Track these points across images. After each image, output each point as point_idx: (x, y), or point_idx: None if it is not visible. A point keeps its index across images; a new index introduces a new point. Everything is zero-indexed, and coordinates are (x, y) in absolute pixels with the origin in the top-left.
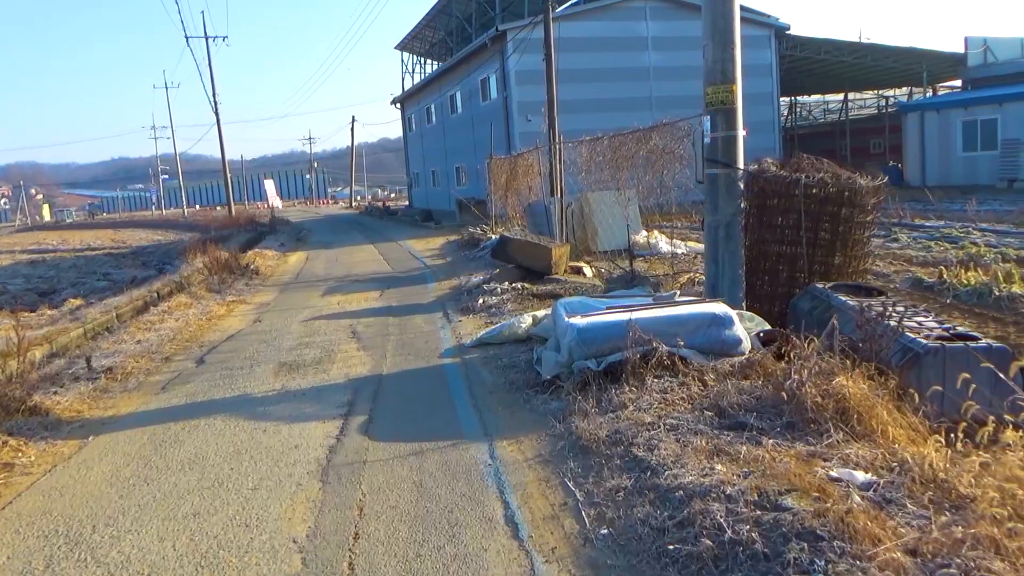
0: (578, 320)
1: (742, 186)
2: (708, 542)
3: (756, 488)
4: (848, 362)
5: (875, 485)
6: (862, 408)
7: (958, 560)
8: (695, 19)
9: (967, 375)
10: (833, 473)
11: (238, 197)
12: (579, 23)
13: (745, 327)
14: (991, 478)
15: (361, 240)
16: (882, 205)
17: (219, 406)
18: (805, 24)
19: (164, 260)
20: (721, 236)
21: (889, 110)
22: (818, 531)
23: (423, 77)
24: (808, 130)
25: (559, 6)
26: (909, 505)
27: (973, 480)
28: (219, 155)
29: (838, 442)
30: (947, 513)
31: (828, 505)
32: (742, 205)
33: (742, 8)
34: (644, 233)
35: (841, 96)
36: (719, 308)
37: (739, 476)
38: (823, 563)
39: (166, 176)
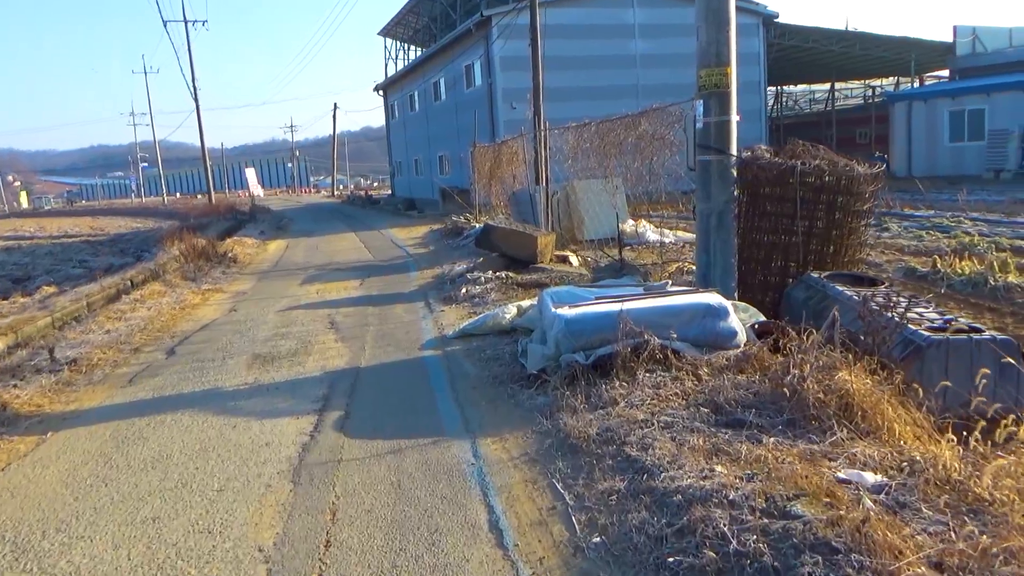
0: (566, 311)
1: (735, 173)
2: (711, 554)
3: (762, 493)
4: (850, 356)
5: (886, 487)
6: (866, 404)
7: None
8: (682, 7)
9: (986, 369)
10: (841, 475)
11: (219, 185)
12: (565, 9)
13: (739, 318)
14: (1010, 479)
15: (343, 229)
16: (879, 193)
17: (188, 400)
18: (793, 12)
19: (142, 248)
20: (713, 224)
21: (876, 100)
22: (833, 542)
23: (406, 64)
24: (794, 120)
25: None
26: (925, 510)
27: (991, 482)
28: (200, 143)
29: (843, 440)
30: (966, 518)
31: (841, 512)
32: (735, 193)
33: None
34: (631, 222)
35: (828, 86)
36: (713, 298)
37: (741, 479)
38: None
39: (145, 164)
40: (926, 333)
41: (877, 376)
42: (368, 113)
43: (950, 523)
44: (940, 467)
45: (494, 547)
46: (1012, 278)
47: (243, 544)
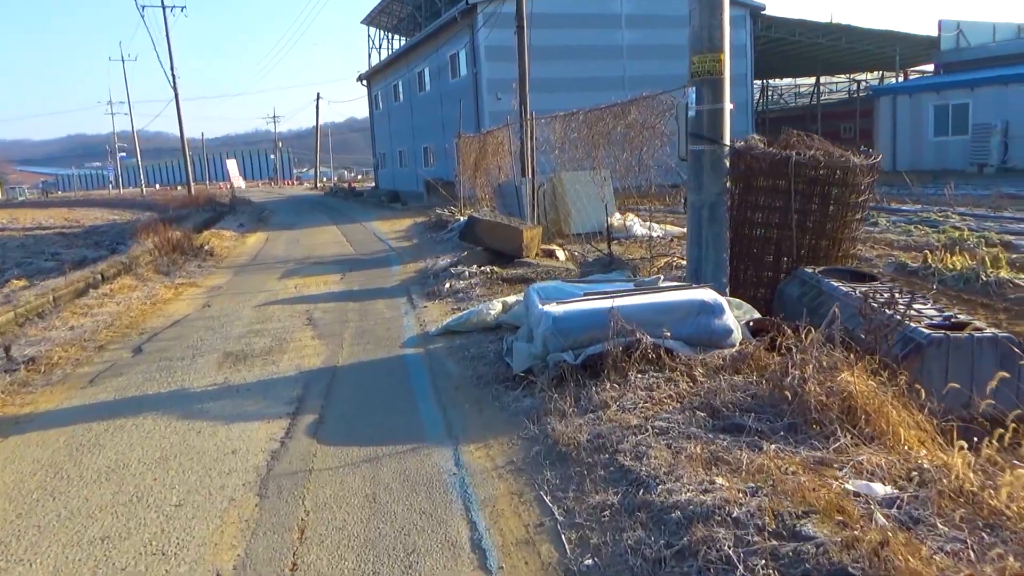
0: (553, 308)
1: (728, 164)
2: None
3: (768, 509)
4: (851, 355)
5: (898, 500)
6: (869, 407)
7: None
8: None
9: (1004, 373)
10: (849, 486)
11: (200, 177)
12: None
13: (734, 315)
14: None
15: (324, 221)
16: (874, 185)
17: (151, 403)
18: (777, 4)
19: (117, 240)
20: (705, 217)
21: (861, 94)
22: (850, 568)
23: (390, 53)
24: (779, 113)
25: None
26: (940, 525)
27: (1007, 495)
28: (179, 133)
29: (847, 446)
30: (984, 534)
31: (856, 533)
32: (727, 184)
33: None
34: (618, 215)
35: (812, 80)
36: (708, 295)
37: (745, 493)
38: None
39: (124, 154)
40: (926, 331)
41: (879, 377)
42: (352, 104)
43: (968, 540)
44: (953, 477)
45: (476, 569)
46: (1004, 274)
47: (200, 568)
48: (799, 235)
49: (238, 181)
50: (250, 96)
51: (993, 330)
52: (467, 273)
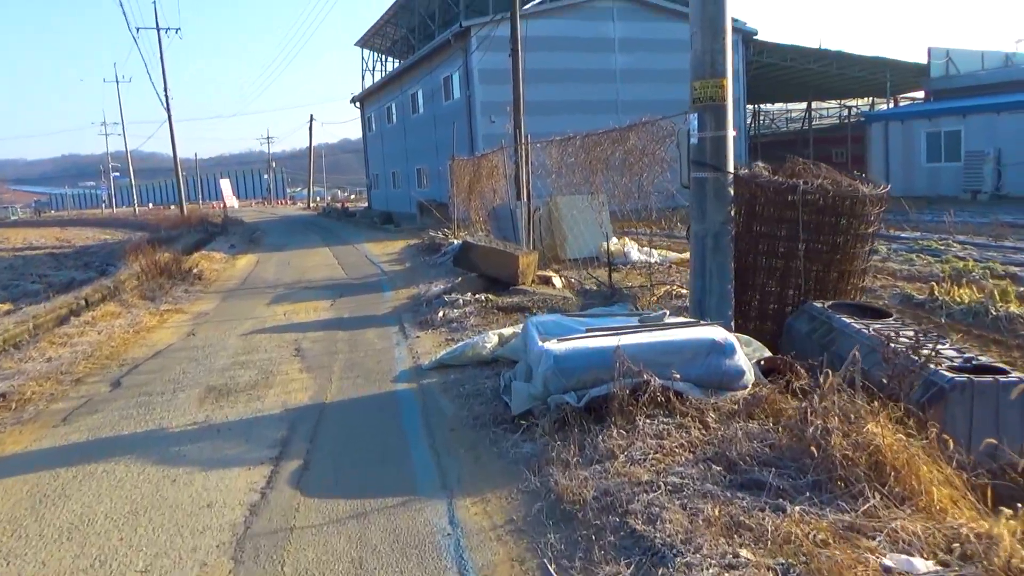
0: (554, 345)
1: (732, 192)
2: None
3: None
4: (873, 402)
5: None
6: (898, 463)
7: None
8: (663, 21)
9: None
10: (888, 562)
11: (193, 196)
12: (546, 21)
13: (744, 353)
14: None
15: (317, 243)
16: (884, 216)
17: (126, 445)
18: (768, 31)
19: (107, 261)
20: (709, 247)
21: (853, 120)
22: None
23: (384, 75)
24: (771, 138)
25: (527, 3)
26: None
27: None
28: (173, 153)
29: (877, 508)
30: None
31: None
32: (731, 213)
33: None
34: (615, 240)
35: (803, 105)
36: (718, 333)
37: (774, 571)
38: None
39: (117, 174)
40: (948, 374)
41: (904, 426)
42: (346, 125)
43: None
44: (1002, 553)
45: None
46: (1014, 308)
47: None
48: (807, 266)
49: (231, 201)
50: (244, 117)
51: (1019, 374)
52: (461, 301)
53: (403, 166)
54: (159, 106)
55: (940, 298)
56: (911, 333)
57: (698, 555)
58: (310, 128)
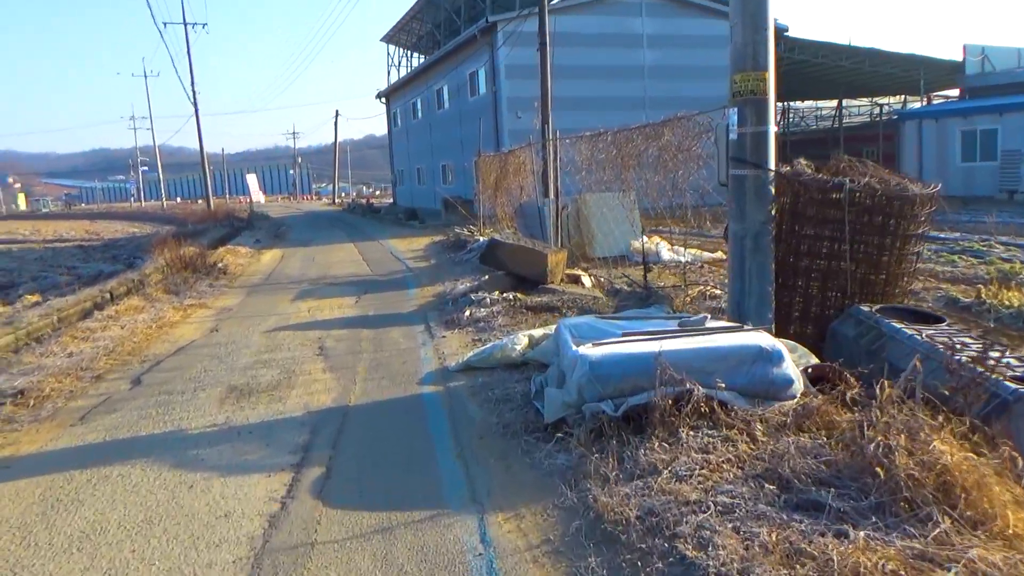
0: (589, 350)
1: (773, 190)
2: None
3: None
4: (940, 418)
5: None
6: (968, 483)
7: None
8: (692, 17)
9: None
10: None
11: (220, 191)
12: (573, 17)
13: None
14: None
15: (341, 238)
16: (935, 216)
17: (143, 447)
18: (797, 27)
19: (134, 254)
20: (748, 247)
21: (884, 118)
22: None
23: (409, 71)
24: (801, 136)
25: None
26: None
27: None
28: (199, 148)
29: (948, 534)
30: None
31: None
32: (772, 212)
33: None
34: (644, 239)
35: (833, 103)
36: (764, 340)
37: None
38: None
39: (145, 168)
40: (1012, 385)
41: (970, 442)
42: (371, 121)
43: None
44: None
45: None
46: None
47: None
48: (852, 268)
49: (258, 196)
50: (270, 112)
51: None
52: (488, 300)
53: (428, 162)
54: (187, 101)
55: (987, 301)
56: (968, 340)
57: None
58: (335, 123)
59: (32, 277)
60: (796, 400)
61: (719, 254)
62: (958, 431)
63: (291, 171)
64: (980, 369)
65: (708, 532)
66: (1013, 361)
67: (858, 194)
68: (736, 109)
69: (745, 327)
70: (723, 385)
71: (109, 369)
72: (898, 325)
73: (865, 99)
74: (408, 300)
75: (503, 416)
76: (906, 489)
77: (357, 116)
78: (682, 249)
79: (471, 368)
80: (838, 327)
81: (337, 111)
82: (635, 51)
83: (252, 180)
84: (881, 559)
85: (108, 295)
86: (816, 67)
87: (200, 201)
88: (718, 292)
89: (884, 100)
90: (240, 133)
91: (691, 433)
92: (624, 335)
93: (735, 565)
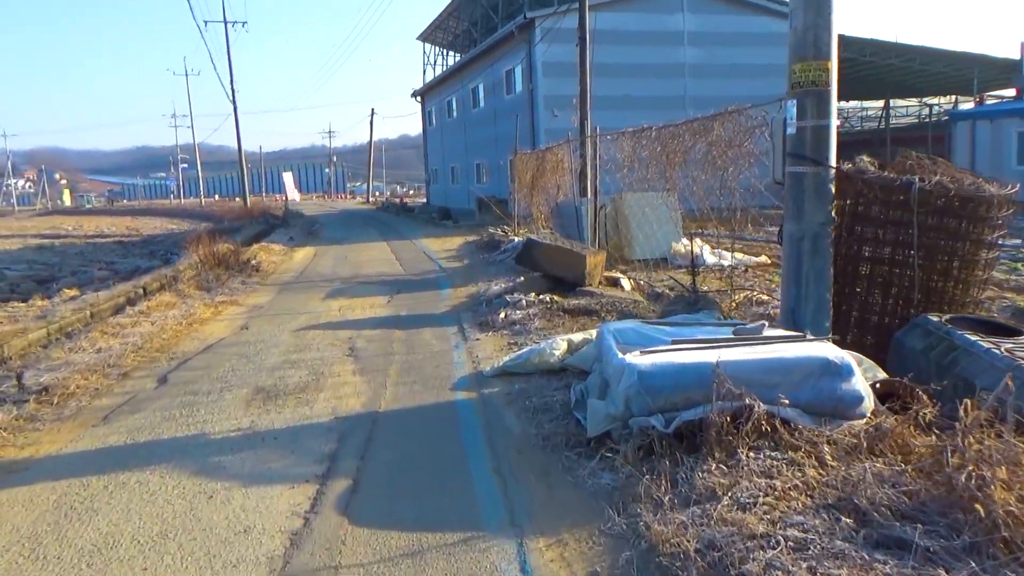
0: (637, 359)
1: (833, 189)
2: None
3: None
4: None
5: None
6: None
7: None
8: (735, 14)
9: None
10: None
11: (256, 189)
12: (613, 13)
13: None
14: None
15: (374, 237)
16: (1015, 219)
17: (164, 451)
18: (842, 24)
19: (171, 250)
20: (806, 250)
21: (933, 119)
22: None
23: (445, 69)
24: (846, 137)
25: None
26: None
27: None
28: (237, 146)
29: None
30: None
31: None
32: (832, 213)
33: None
34: (685, 241)
35: (880, 103)
36: (831, 351)
37: None
38: None
39: (185, 165)
40: None
41: None
42: (406, 120)
43: None
44: None
45: None
46: None
47: None
48: (919, 274)
49: (293, 194)
50: (307, 111)
51: None
52: (524, 302)
53: (462, 161)
54: (226, 100)
55: None
56: None
57: None
58: (371, 122)
59: (72, 272)
60: (866, 419)
61: (763, 258)
62: None
63: (326, 170)
64: None
65: (780, 573)
66: None
67: (929, 194)
68: (795, 101)
69: (807, 337)
70: (786, 401)
71: (136, 366)
72: (973, 337)
73: (913, 99)
74: (441, 300)
75: (542, 427)
76: (1005, 528)
77: (392, 115)
78: (725, 252)
79: (507, 373)
80: (903, 338)
81: (373, 110)
82: (675, 49)
83: (288, 178)
84: None
85: (141, 290)
86: (864, 66)
87: (237, 199)
88: (764, 297)
89: (933, 100)
90: (278, 131)
91: (751, 454)
92: (674, 342)
93: None
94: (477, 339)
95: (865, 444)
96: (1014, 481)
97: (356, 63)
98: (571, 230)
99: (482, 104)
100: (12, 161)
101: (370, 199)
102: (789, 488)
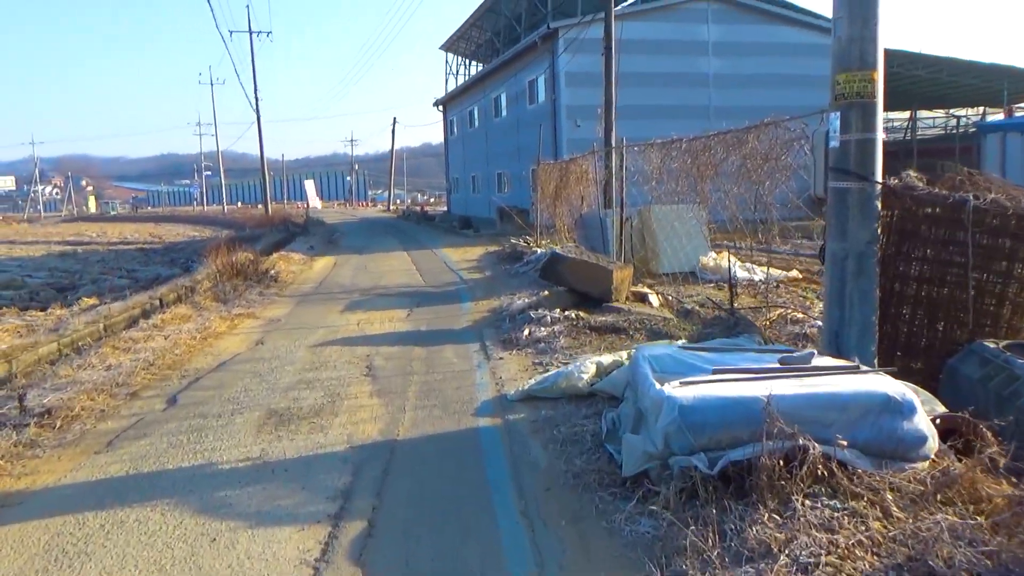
0: (677, 391)
1: (879, 206)
2: None
3: None
4: None
5: None
6: None
7: None
8: (759, 24)
9: None
10: None
11: (279, 196)
12: (636, 23)
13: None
14: None
15: (395, 246)
16: None
17: (167, 483)
18: None
19: (191, 258)
20: (850, 270)
21: (961, 131)
22: None
23: (467, 79)
24: None
25: (620, 2)
26: None
27: None
28: (260, 154)
29: None
30: None
31: None
32: (878, 231)
33: (817, 15)
34: (712, 255)
35: (905, 114)
36: (890, 385)
37: None
38: None
39: (209, 172)
40: None
41: None
42: (427, 129)
43: None
44: None
45: None
46: None
47: None
48: (975, 297)
49: (314, 201)
50: (329, 119)
51: None
52: (549, 318)
53: (483, 170)
54: (250, 108)
55: None
56: None
57: None
58: (392, 131)
59: (92, 280)
60: (929, 461)
61: (795, 272)
62: None
63: (348, 177)
64: None
65: None
66: None
67: (984, 212)
68: (838, 113)
69: (860, 368)
70: (844, 442)
71: (146, 385)
72: None
73: (940, 111)
74: (462, 315)
75: (572, 463)
76: None
77: (414, 124)
78: (755, 267)
79: (532, 398)
80: (958, 365)
81: (395, 118)
82: (700, 58)
83: (310, 186)
84: None
85: (158, 301)
86: (890, 76)
87: (259, 206)
88: (800, 316)
89: (961, 112)
90: (300, 139)
91: (807, 502)
92: (715, 371)
93: None
94: (500, 358)
95: (932, 491)
96: None
97: (379, 72)
98: (595, 242)
99: (504, 114)
100: (40, 168)
101: (391, 207)
102: (853, 544)
